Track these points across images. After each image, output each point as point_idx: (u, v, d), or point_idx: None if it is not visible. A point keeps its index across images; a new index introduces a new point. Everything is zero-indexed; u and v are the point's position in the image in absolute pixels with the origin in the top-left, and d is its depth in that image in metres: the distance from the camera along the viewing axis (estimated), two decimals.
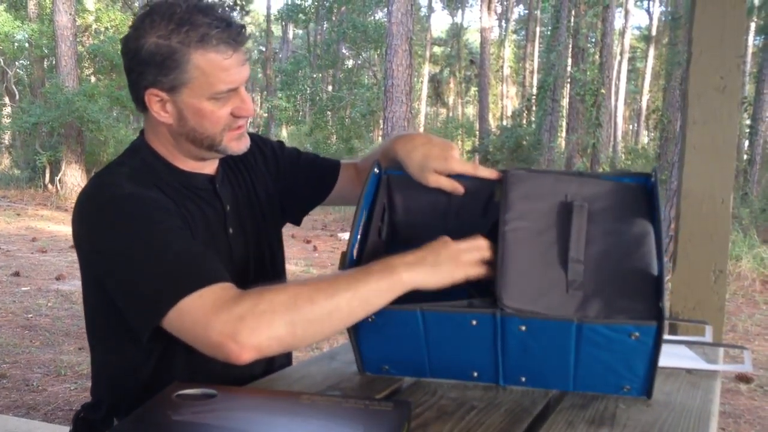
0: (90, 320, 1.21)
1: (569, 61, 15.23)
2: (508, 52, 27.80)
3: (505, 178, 1.11)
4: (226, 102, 1.11)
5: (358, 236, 1.12)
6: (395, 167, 1.21)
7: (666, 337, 1.17)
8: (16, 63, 19.11)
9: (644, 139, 28.21)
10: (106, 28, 16.52)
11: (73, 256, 7.00)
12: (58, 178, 14.18)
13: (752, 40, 18.70)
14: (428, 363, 1.08)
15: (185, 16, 1.05)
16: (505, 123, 22.88)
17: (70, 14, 13.43)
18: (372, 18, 24.80)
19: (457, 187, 1.16)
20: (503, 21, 29.60)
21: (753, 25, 17.29)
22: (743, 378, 3.78)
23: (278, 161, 1.40)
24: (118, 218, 1.04)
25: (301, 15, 25.76)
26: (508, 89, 27.98)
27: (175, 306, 0.94)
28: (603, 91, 13.22)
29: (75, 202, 1.12)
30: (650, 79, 26.47)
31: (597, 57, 14.36)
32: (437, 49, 32.86)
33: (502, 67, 27.50)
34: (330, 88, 25.86)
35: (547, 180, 1.10)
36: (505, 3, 28.83)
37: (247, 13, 29.11)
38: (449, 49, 32.24)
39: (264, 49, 30.58)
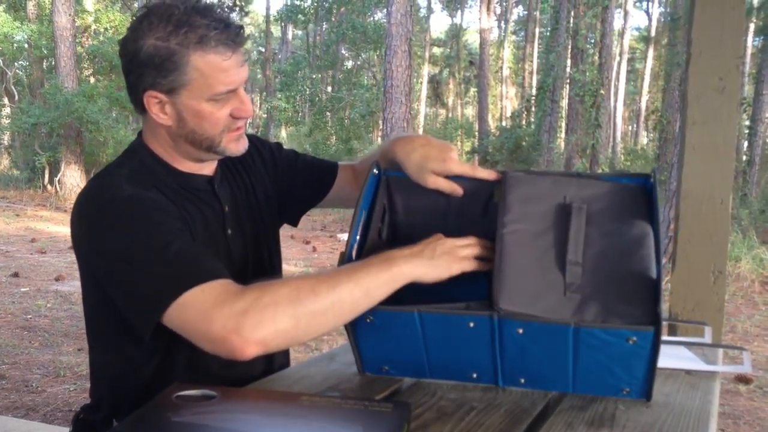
0: (90, 321, 1.21)
1: (568, 61, 15.24)
2: (508, 52, 27.82)
3: (503, 179, 1.11)
4: (225, 103, 1.11)
5: (357, 237, 1.12)
6: (394, 168, 1.21)
7: (665, 338, 1.17)
8: (16, 64, 19.12)
9: (643, 139, 28.22)
10: (106, 29, 16.52)
11: (72, 257, 6.97)
12: (57, 178, 14.17)
13: (751, 41, 18.73)
14: (427, 364, 1.08)
15: (183, 18, 1.05)
16: (504, 124, 22.89)
17: (70, 15, 13.43)
18: (371, 19, 24.82)
19: (456, 189, 1.16)
20: (502, 22, 29.62)
21: (752, 26, 17.32)
22: (742, 379, 3.78)
23: (276, 162, 1.40)
24: (118, 219, 1.04)
25: (300, 16, 25.77)
26: (507, 90, 28.00)
27: (177, 300, 0.94)
28: (602, 91, 13.23)
29: (74, 204, 1.12)
30: (649, 79, 26.50)
31: (596, 58, 14.37)
32: (436, 50, 32.88)
33: (501, 67, 27.52)
34: (329, 88, 25.86)
35: (546, 182, 1.10)
36: (504, 4, 28.86)
37: (247, 13, 29.13)
38: (448, 50, 32.27)
39: (263, 50, 30.58)
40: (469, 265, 1.04)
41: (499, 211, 1.07)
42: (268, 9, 29.29)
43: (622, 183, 1.09)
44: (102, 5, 17.48)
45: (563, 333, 0.96)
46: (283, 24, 30.57)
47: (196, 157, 1.19)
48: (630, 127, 33.11)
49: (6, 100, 18.59)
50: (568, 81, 15.62)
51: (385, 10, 13.56)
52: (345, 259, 1.08)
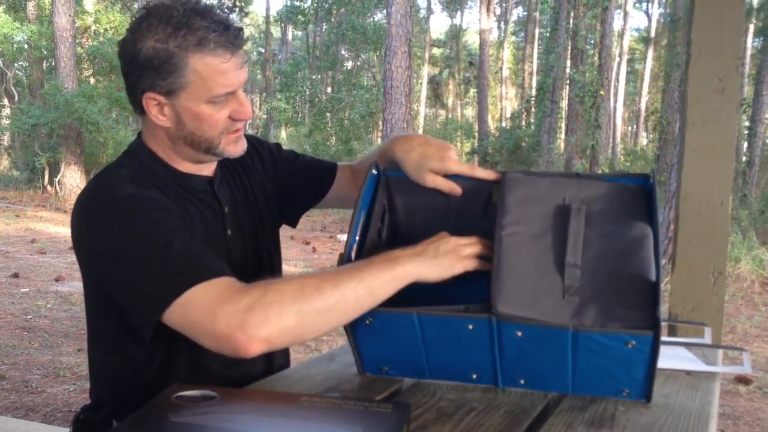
0: (90, 321, 1.21)
1: (568, 62, 15.24)
2: (507, 53, 27.82)
3: (502, 180, 1.11)
4: (224, 105, 1.11)
5: (357, 237, 1.12)
6: (393, 168, 1.21)
7: (665, 338, 1.17)
8: (15, 64, 19.11)
9: (643, 140, 28.23)
10: (106, 30, 16.52)
11: (72, 257, 6.99)
12: (57, 179, 14.17)
13: (751, 42, 18.73)
14: (427, 365, 1.08)
15: (183, 20, 1.05)
16: (504, 124, 22.89)
17: (69, 16, 13.42)
18: (371, 19, 24.83)
19: (454, 188, 1.16)
20: (502, 22, 29.63)
21: (752, 27, 17.32)
22: (742, 380, 3.78)
23: (275, 163, 1.40)
24: (119, 219, 1.04)
25: (300, 16, 25.78)
26: (507, 91, 28.01)
27: (180, 298, 0.93)
28: (602, 92, 13.23)
29: (74, 204, 1.12)
30: (649, 80, 26.50)
31: (596, 59, 14.36)
32: (436, 51, 32.88)
33: (501, 68, 27.52)
34: (329, 89, 25.87)
35: (545, 182, 1.09)
36: (504, 4, 28.87)
37: (246, 14, 29.12)
38: (448, 51, 32.27)
39: (263, 51, 30.60)
40: (471, 264, 1.04)
41: (497, 213, 1.07)
42: (267, 10, 29.30)
43: (621, 183, 1.08)
44: (102, 6, 17.48)
45: (562, 336, 0.96)
46: (282, 25, 30.59)
47: (195, 159, 1.19)
48: (630, 128, 33.11)
49: (6, 101, 18.60)
50: (567, 82, 15.62)
51: (384, 10, 13.57)
52: (344, 259, 1.08)
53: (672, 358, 1.25)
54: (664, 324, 1.13)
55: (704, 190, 1.63)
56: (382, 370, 1.13)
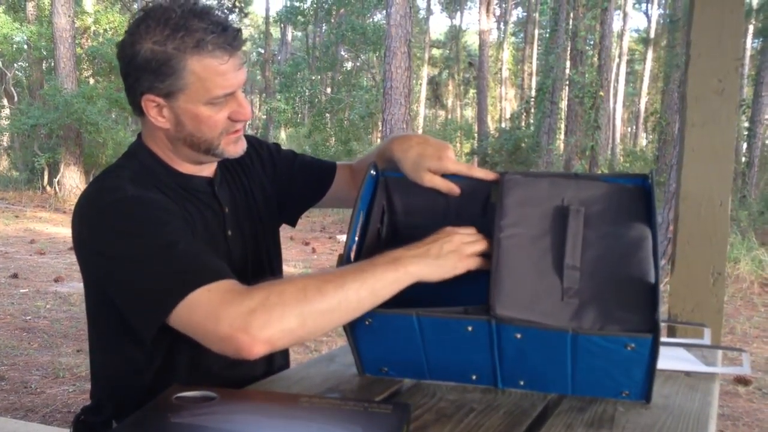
0: (91, 322, 1.21)
1: (568, 63, 15.24)
2: (507, 54, 27.82)
3: (501, 182, 1.11)
4: (223, 106, 1.11)
5: (356, 238, 1.12)
6: (392, 168, 1.21)
7: (664, 339, 1.17)
8: (15, 65, 19.10)
9: (643, 141, 28.22)
10: (105, 30, 16.51)
11: (72, 258, 7.00)
12: (56, 180, 14.16)
13: (750, 43, 18.75)
14: (427, 365, 1.08)
15: (180, 22, 1.05)
16: (503, 125, 22.90)
17: (69, 16, 13.42)
18: (371, 20, 24.81)
19: (453, 188, 1.16)
20: (502, 23, 29.63)
21: (751, 28, 17.33)
22: (742, 380, 3.78)
23: (275, 162, 1.40)
24: (122, 220, 1.04)
25: (299, 17, 25.79)
26: (506, 91, 28.01)
27: (184, 300, 0.94)
28: (601, 93, 13.23)
29: (75, 205, 1.12)
30: (648, 81, 26.51)
31: (595, 59, 14.37)
32: (436, 52, 32.89)
33: (500, 69, 27.52)
34: (329, 90, 25.86)
35: (543, 183, 1.09)
36: (503, 5, 28.88)
37: (246, 15, 29.14)
38: (448, 52, 32.27)
39: (263, 51, 30.58)
40: (474, 264, 1.04)
41: (496, 215, 1.07)
42: (267, 10, 29.29)
43: (620, 184, 1.08)
44: (101, 6, 17.47)
45: (561, 339, 0.96)
46: (282, 25, 30.57)
47: (195, 160, 1.19)
48: (629, 129, 33.11)
49: (5, 102, 18.59)
50: (567, 82, 15.61)
51: (384, 11, 13.57)
52: (344, 260, 1.08)
53: (671, 358, 1.25)
54: (663, 325, 1.14)
55: (704, 190, 1.63)
56: (382, 371, 1.13)
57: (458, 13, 32.58)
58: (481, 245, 1.06)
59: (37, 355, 3.98)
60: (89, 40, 16.55)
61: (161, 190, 1.14)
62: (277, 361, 1.34)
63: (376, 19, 25.26)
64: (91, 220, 1.07)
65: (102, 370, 1.23)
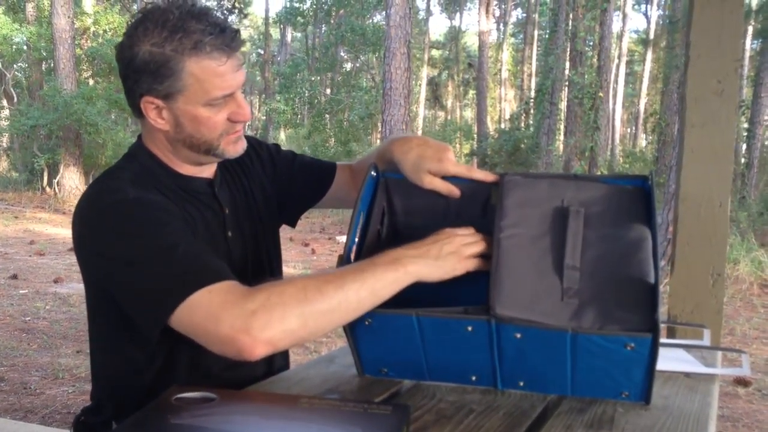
0: (91, 322, 1.21)
1: (567, 64, 15.25)
2: (507, 55, 27.83)
3: (500, 183, 1.11)
4: (222, 107, 1.12)
5: (356, 239, 1.12)
6: (392, 170, 1.22)
7: (664, 340, 1.17)
8: (15, 66, 19.10)
9: (642, 142, 28.23)
10: (105, 31, 16.50)
11: (71, 259, 7.00)
12: (56, 180, 14.16)
13: (750, 44, 18.75)
14: (426, 366, 1.08)
15: (178, 23, 1.05)
16: (503, 126, 22.92)
17: (69, 17, 13.42)
18: (370, 21, 24.83)
19: (452, 190, 1.16)
20: (501, 24, 29.65)
21: (750, 29, 17.33)
22: (741, 381, 3.78)
23: (275, 163, 1.40)
24: (123, 222, 1.04)
25: (299, 18, 25.81)
26: (506, 92, 28.01)
27: (185, 301, 0.94)
28: (601, 94, 13.24)
29: (76, 206, 1.12)
30: (648, 82, 26.52)
31: (595, 60, 14.38)
32: (435, 53, 32.90)
33: (500, 70, 27.52)
34: (328, 91, 25.89)
35: (543, 184, 1.09)
36: (503, 6, 28.90)
37: (246, 15, 29.15)
38: (447, 53, 32.29)
39: (262, 52, 30.58)
40: (474, 265, 1.05)
41: (496, 215, 1.07)
42: (267, 11, 29.30)
43: (619, 185, 1.08)
44: (101, 7, 17.47)
45: (561, 338, 0.96)
46: (282, 26, 30.59)
47: (195, 161, 1.19)
48: (629, 130, 33.12)
49: (5, 102, 18.58)
50: (566, 83, 15.62)
51: (384, 12, 13.57)
52: (343, 261, 1.08)
53: (671, 359, 1.25)
54: (663, 326, 1.13)
55: (703, 191, 1.63)
56: (382, 372, 1.13)
57: (458, 14, 32.65)
58: (480, 246, 1.06)
59: (36, 356, 3.98)
60: (89, 41, 16.55)
61: (161, 191, 1.14)
62: (277, 362, 1.34)
63: (375, 20, 25.27)
64: (92, 222, 1.07)
65: (102, 370, 1.23)
